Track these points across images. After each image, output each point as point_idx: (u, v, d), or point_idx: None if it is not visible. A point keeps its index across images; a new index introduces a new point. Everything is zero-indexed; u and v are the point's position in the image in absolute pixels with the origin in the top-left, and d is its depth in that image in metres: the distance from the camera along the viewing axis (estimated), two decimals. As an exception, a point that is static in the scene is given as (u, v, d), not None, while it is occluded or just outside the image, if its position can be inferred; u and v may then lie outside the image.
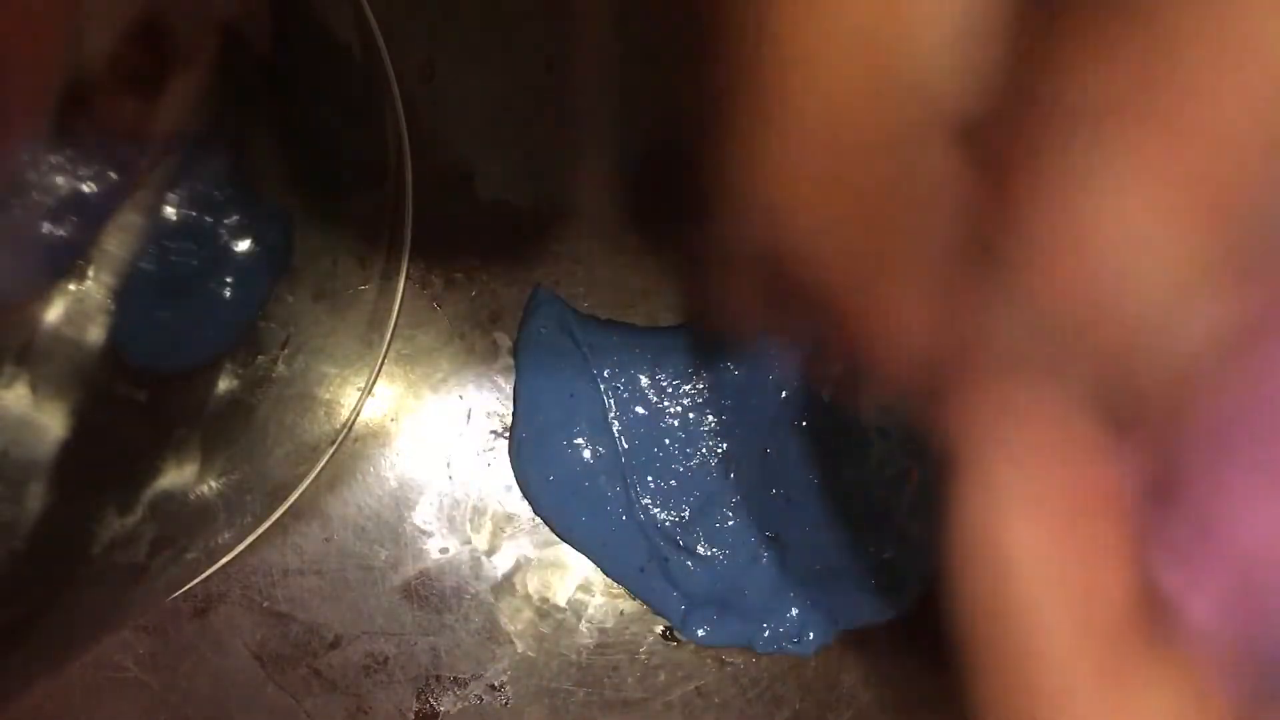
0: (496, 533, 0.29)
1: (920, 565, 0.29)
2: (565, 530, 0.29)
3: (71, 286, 0.15)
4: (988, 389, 0.11)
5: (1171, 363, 0.10)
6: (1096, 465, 0.11)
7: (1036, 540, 0.11)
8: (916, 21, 0.10)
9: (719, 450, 0.29)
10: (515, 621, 0.29)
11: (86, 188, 0.14)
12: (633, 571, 0.29)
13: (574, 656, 0.29)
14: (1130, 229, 0.09)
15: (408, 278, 0.29)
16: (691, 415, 0.29)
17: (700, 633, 0.29)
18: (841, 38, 0.11)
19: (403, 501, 0.29)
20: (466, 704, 0.29)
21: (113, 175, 0.15)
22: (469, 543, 0.29)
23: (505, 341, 0.29)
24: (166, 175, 0.16)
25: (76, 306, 0.15)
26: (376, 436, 0.29)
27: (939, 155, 0.11)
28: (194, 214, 0.17)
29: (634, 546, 0.29)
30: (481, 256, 0.29)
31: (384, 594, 0.29)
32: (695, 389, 0.29)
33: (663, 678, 0.29)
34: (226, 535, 0.26)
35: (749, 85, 0.12)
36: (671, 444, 0.29)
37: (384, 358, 0.29)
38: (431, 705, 0.29)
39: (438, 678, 0.29)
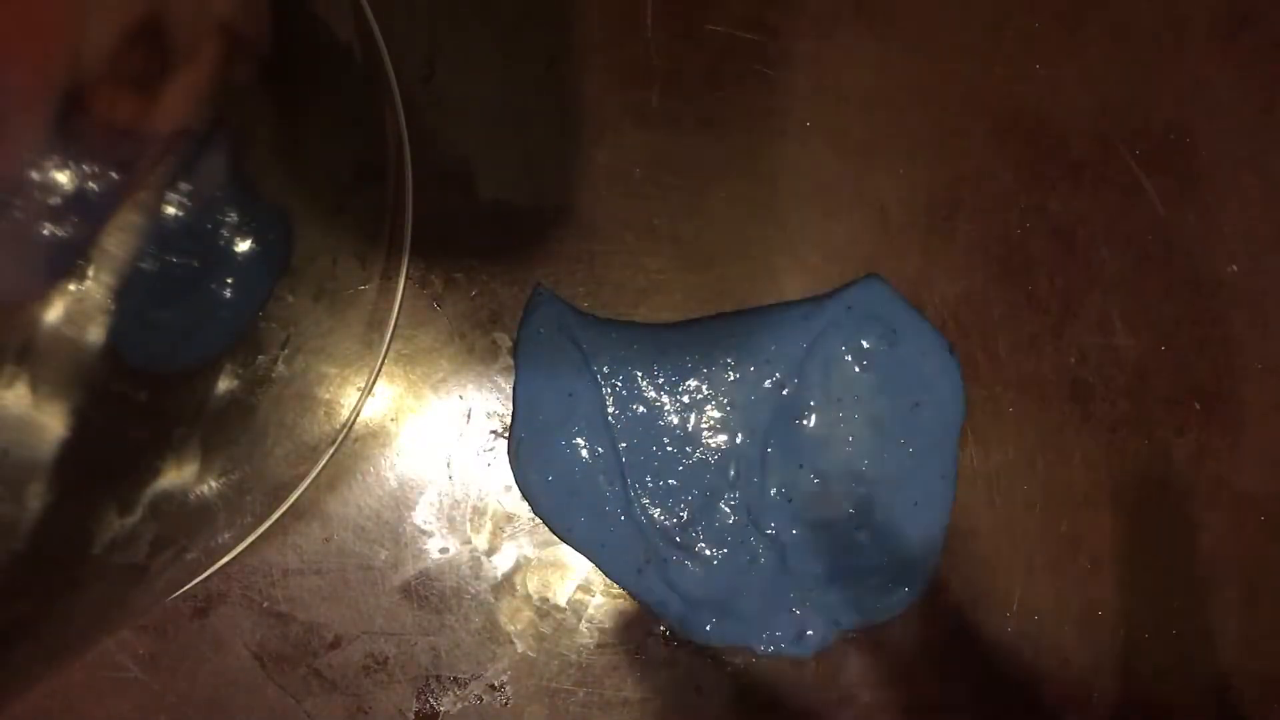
0: (496, 533, 0.29)
1: (920, 566, 0.29)
2: (564, 531, 0.29)
3: (71, 286, 0.15)
4: None
5: None
6: None
7: None
8: None
9: (718, 449, 0.29)
10: (515, 621, 0.29)
11: (87, 187, 0.14)
12: (631, 572, 0.29)
13: (574, 656, 0.29)
14: None
15: (408, 278, 0.29)
16: (691, 414, 0.29)
17: (700, 634, 0.29)
18: None
19: (403, 501, 0.29)
20: (466, 704, 0.29)
21: (113, 175, 0.15)
22: (469, 543, 0.29)
23: (505, 341, 0.29)
24: (166, 175, 0.16)
25: (76, 306, 0.15)
26: (376, 436, 0.29)
27: None
28: (194, 214, 0.17)
29: (633, 546, 0.29)
30: (481, 256, 0.29)
31: (384, 594, 0.29)
32: (694, 387, 0.29)
33: (663, 678, 0.29)
34: (226, 535, 0.26)
35: None
36: (670, 443, 0.29)
37: (384, 358, 0.29)
38: (431, 705, 0.29)
39: (438, 678, 0.29)
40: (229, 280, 0.19)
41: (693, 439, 0.29)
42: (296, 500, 0.28)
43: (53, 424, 0.15)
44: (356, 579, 0.29)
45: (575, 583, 0.29)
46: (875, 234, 0.30)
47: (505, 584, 0.29)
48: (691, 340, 0.29)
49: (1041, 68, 0.30)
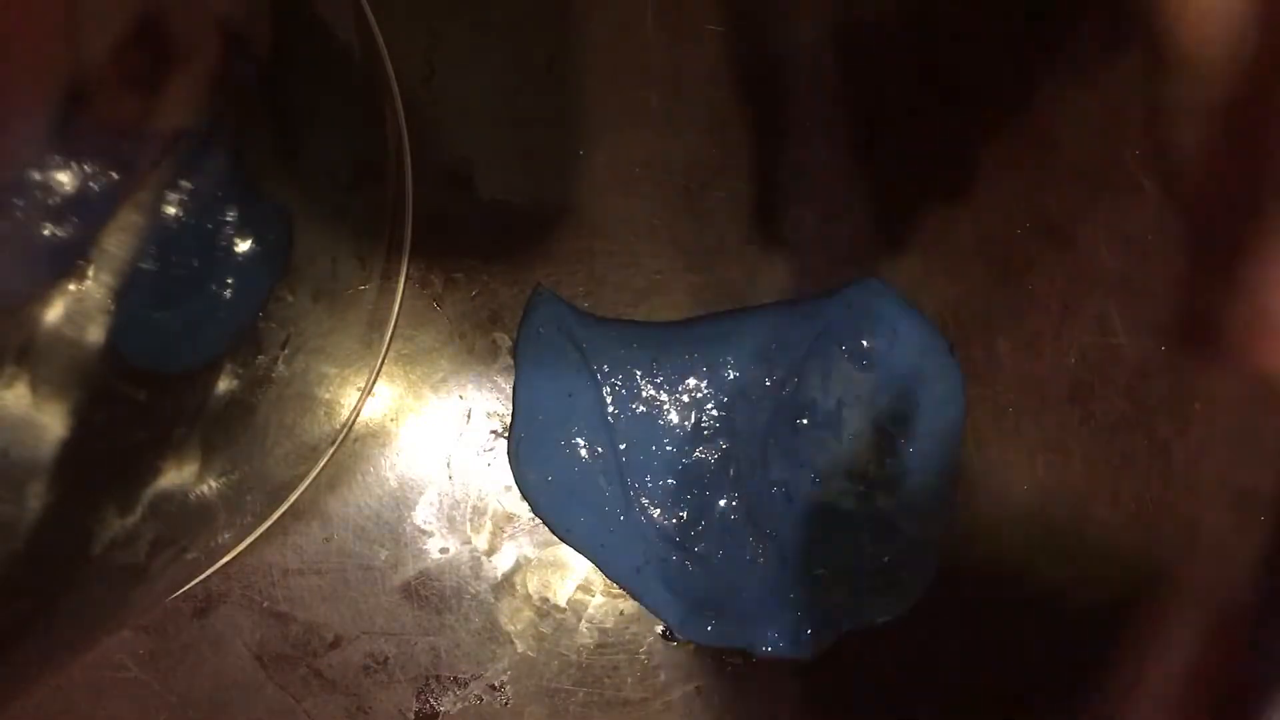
0: (496, 533, 0.29)
1: (919, 566, 0.29)
2: (564, 531, 0.29)
3: (71, 286, 0.15)
4: None
5: None
6: None
7: None
8: None
9: (718, 449, 0.29)
10: (515, 621, 0.29)
11: (87, 187, 0.14)
12: (631, 572, 0.29)
13: (574, 656, 0.29)
14: None
15: (408, 278, 0.29)
16: (690, 413, 0.29)
17: (700, 634, 0.29)
18: None
19: (403, 501, 0.29)
20: (466, 704, 0.29)
21: (113, 175, 0.15)
22: (469, 543, 0.29)
23: (505, 341, 0.29)
24: (166, 175, 0.16)
25: (76, 306, 0.15)
26: (376, 436, 0.29)
27: None
28: (194, 214, 0.17)
29: (632, 547, 0.29)
30: (481, 256, 0.29)
31: (384, 594, 0.29)
32: (694, 386, 0.29)
33: (663, 678, 0.29)
34: (226, 535, 0.26)
35: None
36: (670, 443, 0.29)
37: (384, 358, 0.29)
38: (431, 705, 0.29)
39: (438, 678, 0.29)
40: (229, 280, 0.19)
41: (693, 439, 0.29)
42: (296, 500, 0.28)
43: (53, 424, 0.15)
44: (356, 579, 0.29)
45: (575, 583, 0.29)
46: (875, 234, 0.30)
47: (505, 584, 0.29)
48: (691, 340, 0.29)
49: (1042, 67, 0.30)
